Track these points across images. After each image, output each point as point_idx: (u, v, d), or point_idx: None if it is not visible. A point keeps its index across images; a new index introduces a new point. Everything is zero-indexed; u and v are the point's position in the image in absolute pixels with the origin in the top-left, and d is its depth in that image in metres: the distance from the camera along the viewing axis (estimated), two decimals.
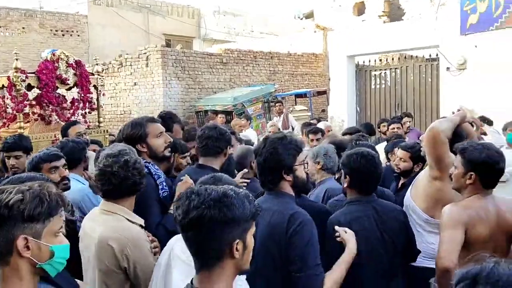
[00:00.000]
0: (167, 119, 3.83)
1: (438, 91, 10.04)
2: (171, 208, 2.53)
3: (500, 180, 5.48)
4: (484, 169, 2.34)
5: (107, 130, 6.45)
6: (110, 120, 12.43)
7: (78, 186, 3.28)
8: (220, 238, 1.33)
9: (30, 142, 3.84)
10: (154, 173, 2.72)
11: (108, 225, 2.19)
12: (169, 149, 2.95)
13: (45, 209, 1.44)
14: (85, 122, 6.28)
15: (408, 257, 2.64)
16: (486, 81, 8.47)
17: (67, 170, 3.06)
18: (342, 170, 2.67)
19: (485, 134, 4.33)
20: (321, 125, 6.38)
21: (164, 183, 2.76)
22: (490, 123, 4.67)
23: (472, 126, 4.45)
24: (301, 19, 22.14)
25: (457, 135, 2.87)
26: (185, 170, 3.23)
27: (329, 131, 5.89)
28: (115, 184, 2.21)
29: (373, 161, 2.56)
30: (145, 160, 2.71)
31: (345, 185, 2.62)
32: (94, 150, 4.19)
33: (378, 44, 10.45)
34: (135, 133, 2.78)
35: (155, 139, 2.84)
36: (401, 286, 2.59)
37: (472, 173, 2.35)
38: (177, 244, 1.90)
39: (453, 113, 3.19)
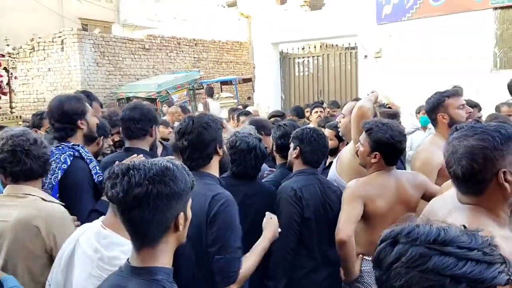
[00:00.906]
0: (87, 96, 3.58)
1: (357, 78, 10.54)
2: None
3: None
4: (387, 149, 2.48)
5: (20, 116, 5.98)
6: (23, 108, 11.56)
7: None
8: (166, 213, 1.28)
9: None
10: (85, 157, 2.56)
11: (28, 206, 2.03)
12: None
13: None
14: None
15: None
16: (399, 69, 9.03)
17: None
18: (292, 143, 2.77)
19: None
20: (249, 109, 6.51)
21: (97, 167, 2.61)
22: (480, 108, 5.01)
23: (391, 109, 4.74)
24: (224, 7, 22.03)
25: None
26: (112, 155, 3.06)
27: (256, 115, 5.98)
28: (28, 163, 2.05)
29: (323, 136, 2.78)
30: (72, 143, 2.57)
31: (294, 156, 2.74)
32: None
33: (301, 32, 10.71)
34: (79, 108, 2.60)
35: (92, 118, 2.71)
36: (335, 256, 2.68)
37: (376, 152, 2.50)
38: (84, 236, 1.75)
39: (368, 95, 3.36)
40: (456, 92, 3.06)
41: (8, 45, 5.75)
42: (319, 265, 2.64)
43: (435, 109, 2.95)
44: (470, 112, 3.14)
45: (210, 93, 10.06)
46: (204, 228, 1.99)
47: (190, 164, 2.14)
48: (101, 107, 4.10)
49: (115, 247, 1.64)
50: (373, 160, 2.52)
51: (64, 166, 2.43)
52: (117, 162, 2.10)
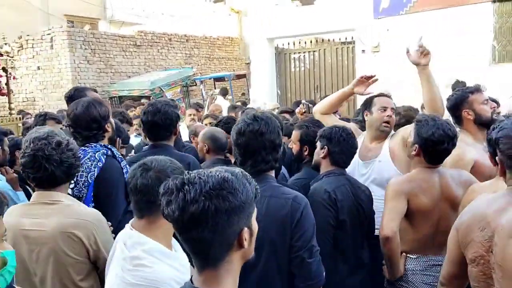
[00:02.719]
0: (80, 92, 3.18)
1: (354, 73, 10.48)
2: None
3: None
4: (427, 146, 2.42)
5: (20, 118, 5.75)
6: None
7: None
8: (228, 230, 1.14)
9: None
10: (117, 156, 2.50)
11: (63, 213, 1.95)
12: None
13: None
14: None
15: (369, 230, 2.73)
16: (398, 64, 8.97)
17: None
18: (319, 142, 2.69)
19: None
20: (270, 105, 6.40)
21: (128, 166, 2.50)
22: (499, 104, 4.88)
23: None
24: (212, 1, 21.78)
25: None
26: (139, 154, 3.04)
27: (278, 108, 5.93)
28: (48, 169, 1.94)
29: (352, 136, 2.69)
30: (103, 144, 2.51)
31: (321, 156, 2.65)
32: None
33: (296, 27, 10.58)
34: (105, 112, 2.52)
35: (112, 119, 2.67)
36: (368, 256, 2.68)
37: (416, 145, 2.46)
38: (118, 237, 1.72)
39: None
40: (479, 88, 3.02)
41: (5, 43, 5.48)
42: (353, 268, 2.58)
43: (459, 105, 2.90)
44: (494, 107, 3.11)
45: (223, 93, 10.02)
46: (289, 232, 1.94)
47: (259, 168, 2.03)
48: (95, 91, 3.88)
49: (138, 246, 1.60)
50: (413, 152, 2.50)
51: (100, 164, 2.37)
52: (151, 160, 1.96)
